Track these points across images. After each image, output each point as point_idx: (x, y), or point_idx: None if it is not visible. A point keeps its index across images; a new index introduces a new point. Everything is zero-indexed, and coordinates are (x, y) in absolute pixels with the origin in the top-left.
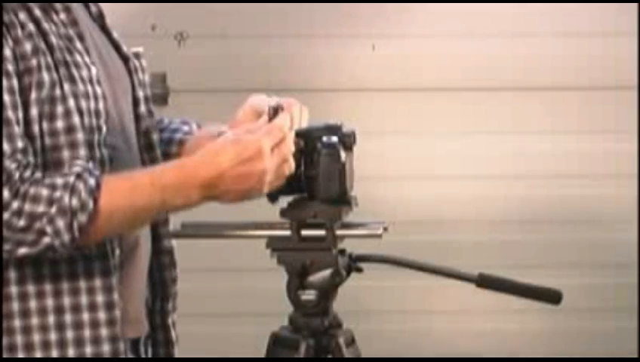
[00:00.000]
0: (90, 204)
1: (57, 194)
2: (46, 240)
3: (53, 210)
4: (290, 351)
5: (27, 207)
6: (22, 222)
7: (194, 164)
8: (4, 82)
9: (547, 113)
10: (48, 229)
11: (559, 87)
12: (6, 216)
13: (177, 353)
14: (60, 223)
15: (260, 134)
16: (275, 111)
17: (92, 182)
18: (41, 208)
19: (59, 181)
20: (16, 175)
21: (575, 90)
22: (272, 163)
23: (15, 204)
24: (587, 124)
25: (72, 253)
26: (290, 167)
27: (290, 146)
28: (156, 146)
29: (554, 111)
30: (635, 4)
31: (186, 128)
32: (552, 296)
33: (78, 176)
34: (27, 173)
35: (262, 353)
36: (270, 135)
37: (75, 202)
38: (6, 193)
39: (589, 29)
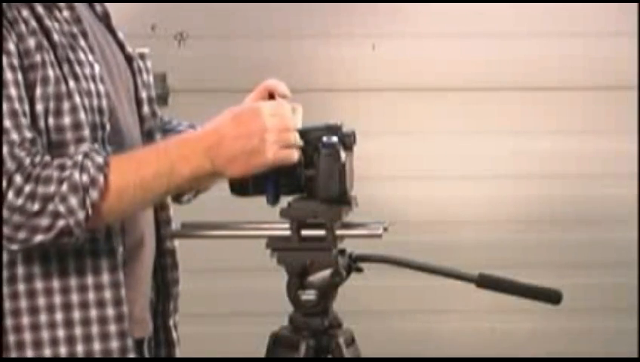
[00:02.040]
0: (101, 179)
1: (67, 172)
2: (61, 222)
3: (64, 187)
4: (290, 351)
5: (40, 189)
6: (36, 206)
7: (196, 133)
8: (10, 75)
9: (547, 113)
10: (62, 208)
11: (559, 87)
12: (20, 201)
13: (178, 354)
14: (73, 201)
15: (259, 102)
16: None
17: (100, 159)
18: (52, 188)
19: (67, 161)
20: (27, 160)
21: (575, 90)
22: (272, 123)
23: (28, 188)
24: (587, 124)
25: (87, 236)
26: (296, 137)
27: (292, 119)
28: None
29: (554, 112)
30: (635, 4)
31: (192, 131)
32: (552, 296)
33: (86, 155)
34: (37, 158)
35: (262, 353)
36: (270, 104)
37: (85, 178)
38: (19, 178)
39: (589, 29)
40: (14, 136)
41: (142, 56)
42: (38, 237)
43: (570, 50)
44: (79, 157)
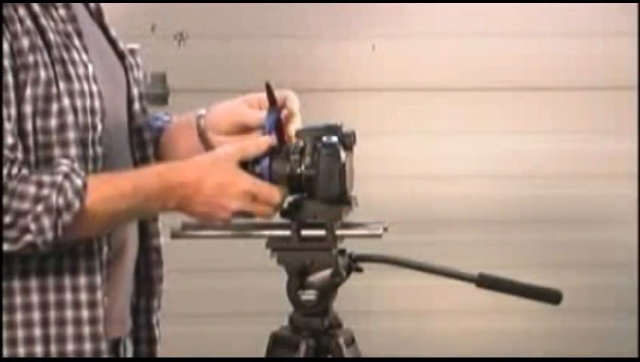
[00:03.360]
0: (77, 205)
1: (44, 192)
2: (28, 237)
3: (40, 208)
4: (290, 351)
5: (14, 203)
6: (7, 218)
7: (178, 174)
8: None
9: (547, 113)
10: (32, 227)
11: (559, 87)
12: None
13: (159, 351)
14: (45, 222)
15: (252, 181)
16: (268, 89)
17: (79, 182)
18: (27, 205)
19: (46, 179)
20: (4, 171)
21: (575, 90)
22: (246, 207)
23: (2, 201)
24: (587, 124)
25: (53, 249)
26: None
27: (271, 210)
28: (148, 144)
29: (554, 111)
30: (635, 4)
31: (166, 118)
32: (552, 296)
33: (66, 175)
34: (15, 170)
35: (262, 353)
36: (262, 189)
37: (61, 201)
38: None
39: (589, 29)
40: None
41: (132, 52)
42: (4, 246)
43: (570, 50)
44: (59, 178)
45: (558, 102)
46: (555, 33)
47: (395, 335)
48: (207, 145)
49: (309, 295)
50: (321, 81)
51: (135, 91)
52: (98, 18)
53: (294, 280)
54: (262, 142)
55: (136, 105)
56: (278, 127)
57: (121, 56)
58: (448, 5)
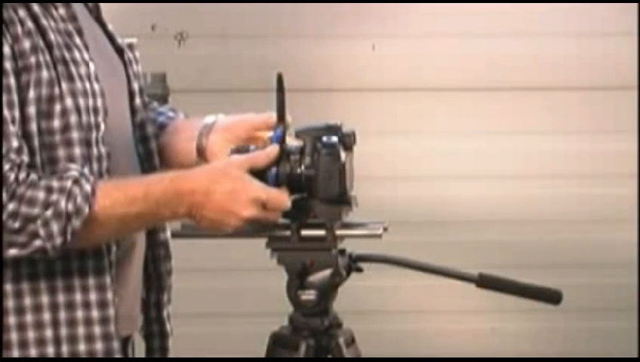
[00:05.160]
0: (86, 210)
1: (54, 197)
2: (37, 242)
3: (49, 213)
4: (290, 351)
5: (23, 209)
6: (16, 224)
7: (189, 183)
8: (3, 80)
9: (547, 113)
10: (41, 232)
11: (559, 87)
12: (2, 217)
13: (171, 345)
14: (54, 227)
15: (262, 188)
16: (279, 81)
17: (88, 188)
18: (36, 211)
19: (55, 184)
20: (12, 176)
21: (575, 90)
22: (256, 215)
23: (11, 206)
24: (587, 124)
25: (61, 254)
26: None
27: (279, 215)
28: (151, 138)
29: (554, 111)
30: (635, 4)
31: (171, 114)
32: (552, 296)
33: (75, 181)
34: (22, 175)
35: (262, 353)
36: (274, 197)
37: (70, 207)
38: (2, 195)
39: (589, 29)
40: None
41: (130, 47)
42: (12, 251)
43: (570, 49)
44: (68, 183)
45: (558, 102)
46: (555, 33)
47: (395, 335)
48: (203, 159)
49: (309, 295)
50: (321, 80)
51: (135, 86)
52: (96, 14)
53: (294, 280)
54: (270, 151)
55: (138, 100)
56: (283, 139)
57: (119, 51)
58: (448, 5)
